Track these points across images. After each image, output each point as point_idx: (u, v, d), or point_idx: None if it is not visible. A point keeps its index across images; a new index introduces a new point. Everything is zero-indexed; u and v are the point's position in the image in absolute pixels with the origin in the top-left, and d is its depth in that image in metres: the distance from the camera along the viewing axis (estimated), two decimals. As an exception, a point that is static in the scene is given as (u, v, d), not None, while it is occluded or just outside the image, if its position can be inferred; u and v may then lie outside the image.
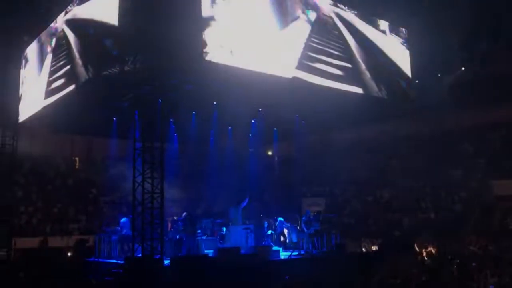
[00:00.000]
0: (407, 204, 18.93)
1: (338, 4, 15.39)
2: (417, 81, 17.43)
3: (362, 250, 15.91)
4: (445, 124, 19.38)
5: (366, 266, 12.67)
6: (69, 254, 15.66)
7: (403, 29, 17.21)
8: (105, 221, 15.73)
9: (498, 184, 17.18)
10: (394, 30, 17.02)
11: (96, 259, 14.09)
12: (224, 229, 14.95)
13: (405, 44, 17.21)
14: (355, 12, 15.80)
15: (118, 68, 12.38)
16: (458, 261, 10.98)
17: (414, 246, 14.08)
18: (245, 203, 15.49)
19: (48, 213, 19.40)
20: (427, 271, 10.12)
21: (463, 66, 18.35)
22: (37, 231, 18.15)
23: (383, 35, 16.67)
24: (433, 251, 12.87)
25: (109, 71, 12.66)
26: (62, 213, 19.61)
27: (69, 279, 11.61)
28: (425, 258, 12.69)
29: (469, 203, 17.51)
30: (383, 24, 16.68)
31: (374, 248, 15.90)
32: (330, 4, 15.24)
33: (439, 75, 18.51)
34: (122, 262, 12.18)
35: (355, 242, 16.36)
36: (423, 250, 13.06)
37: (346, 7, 15.58)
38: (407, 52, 17.25)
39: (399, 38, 17.17)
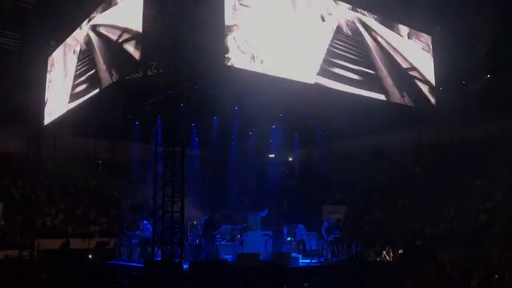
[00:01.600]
0: (429, 214, 18.63)
1: (360, 9, 15.29)
2: (441, 88, 17.18)
3: (382, 259, 15.68)
4: (469, 133, 19.02)
5: (386, 275, 12.50)
6: (90, 256, 15.83)
7: (426, 35, 17.01)
8: (126, 224, 15.85)
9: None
10: (416, 36, 16.84)
11: (117, 262, 14.21)
12: (243, 234, 14.94)
13: (428, 50, 17.01)
14: (376, 17, 15.67)
15: (141, 73, 12.55)
16: (480, 273, 10.74)
17: (436, 256, 13.82)
18: (263, 214, 15.47)
19: (70, 215, 19.67)
20: (450, 282, 9.92)
21: (488, 74, 18.02)
22: (59, 232, 18.40)
23: (406, 41, 16.51)
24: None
25: (133, 75, 12.84)
26: (84, 216, 19.85)
27: (90, 281, 11.74)
28: (450, 268, 12.42)
29: (493, 214, 17.12)
30: (405, 30, 16.51)
31: (394, 257, 15.66)
32: (351, 9, 15.15)
33: (463, 82, 18.20)
34: (142, 265, 12.27)
35: (376, 251, 16.15)
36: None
37: (367, 12, 15.47)
38: (431, 59, 17.04)
39: (422, 44, 16.97)
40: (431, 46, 17.08)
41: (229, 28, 12.01)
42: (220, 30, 11.96)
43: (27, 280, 11.26)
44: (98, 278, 12.10)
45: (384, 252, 15.80)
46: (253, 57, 12.33)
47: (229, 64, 11.94)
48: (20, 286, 10.63)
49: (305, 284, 10.76)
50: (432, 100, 16.98)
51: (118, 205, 20.94)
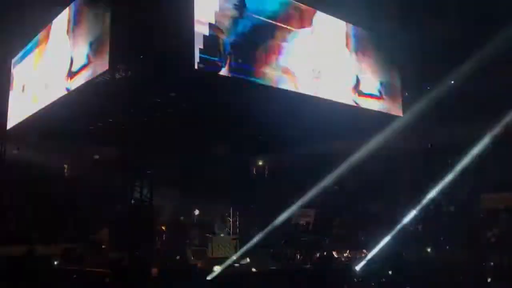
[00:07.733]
0: (395, 217, 18.95)
1: (332, 17, 15.52)
2: (406, 93, 17.56)
3: (350, 262, 15.87)
4: (435, 137, 19.45)
5: (354, 278, 12.70)
6: (56, 262, 15.48)
7: (386, 42, 17.36)
8: (94, 229, 15.59)
9: (487, 198, 17.29)
10: (383, 43, 17.20)
11: (83, 268, 13.95)
12: (213, 239, 14.92)
13: (394, 58, 17.38)
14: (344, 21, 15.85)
15: (109, 76, 12.39)
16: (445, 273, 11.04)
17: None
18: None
19: (35, 220, 19.18)
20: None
21: (451, 80, 18.47)
22: (24, 238, 17.92)
23: (374, 47, 16.83)
24: None
25: (100, 78, 12.67)
26: (50, 221, 19.39)
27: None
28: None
29: (456, 216, 17.59)
30: (373, 36, 16.83)
31: (362, 259, 15.88)
32: (324, 15, 15.35)
33: (428, 88, 18.63)
34: (110, 271, 12.07)
35: (344, 254, 16.35)
36: None
37: (336, 17, 15.67)
38: (395, 67, 17.43)
39: (389, 52, 17.32)
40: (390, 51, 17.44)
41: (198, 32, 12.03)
42: (188, 34, 11.95)
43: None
44: (64, 285, 11.87)
45: (352, 255, 16.00)
46: (221, 61, 12.38)
47: (196, 67, 11.93)
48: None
49: None
50: (398, 106, 17.37)
51: (85, 209, 20.55)
